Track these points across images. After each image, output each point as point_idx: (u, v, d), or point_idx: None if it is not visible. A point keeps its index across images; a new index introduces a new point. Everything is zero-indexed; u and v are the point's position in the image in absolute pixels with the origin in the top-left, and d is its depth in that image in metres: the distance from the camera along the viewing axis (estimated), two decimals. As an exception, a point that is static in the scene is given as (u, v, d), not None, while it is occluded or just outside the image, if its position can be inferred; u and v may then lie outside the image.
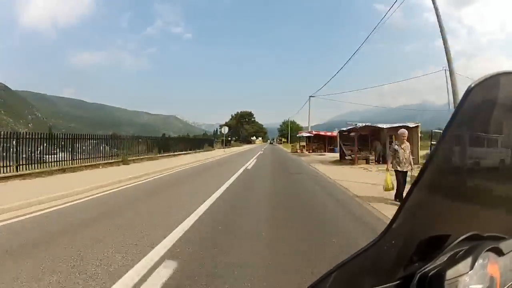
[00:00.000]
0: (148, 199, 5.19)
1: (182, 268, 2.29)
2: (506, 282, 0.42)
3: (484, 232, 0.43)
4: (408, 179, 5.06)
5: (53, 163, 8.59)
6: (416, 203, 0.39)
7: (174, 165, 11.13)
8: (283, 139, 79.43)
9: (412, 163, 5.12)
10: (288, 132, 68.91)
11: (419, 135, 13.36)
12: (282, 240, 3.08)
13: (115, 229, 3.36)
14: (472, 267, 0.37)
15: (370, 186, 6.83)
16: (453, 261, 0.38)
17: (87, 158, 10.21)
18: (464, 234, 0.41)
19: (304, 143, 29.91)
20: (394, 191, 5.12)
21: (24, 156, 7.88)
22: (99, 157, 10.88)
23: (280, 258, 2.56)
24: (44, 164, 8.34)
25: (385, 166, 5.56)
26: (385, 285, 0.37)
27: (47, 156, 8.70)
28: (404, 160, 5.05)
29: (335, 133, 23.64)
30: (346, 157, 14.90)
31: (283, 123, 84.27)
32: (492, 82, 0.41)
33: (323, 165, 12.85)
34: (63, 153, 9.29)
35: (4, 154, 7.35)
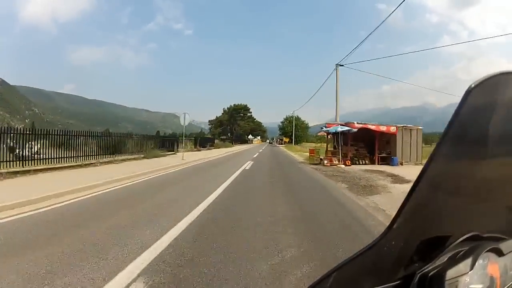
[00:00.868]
0: None
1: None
2: (506, 282, 0.42)
3: (484, 232, 0.43)
4: None
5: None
6: (417, 204, 0.39)
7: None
8: (284, 139, 66.66)
9: None
10: (293, 130, 55.95)
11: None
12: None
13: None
14: (472, 267, 0.38)
15: None
16: (453, 261, 0.38)
17: None
18: (464, 235, 0.41)
19: (329, 145, 17.37)
20: None
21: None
22: None
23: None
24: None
25: None
26: (385, 285, 0.37)
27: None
28: None
29: (393, 128, 14.01)
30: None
31: (285, 119, 69.39)
32: (492, 82, 0.41)
33: None
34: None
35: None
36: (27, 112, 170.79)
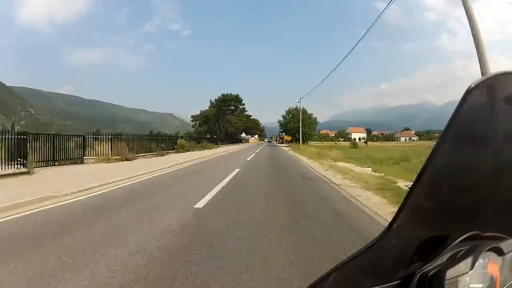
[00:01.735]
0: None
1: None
2: (506, 282, 0.42)
3: (484, 231, 0.43)
4: None
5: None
6: (417, 203, 0.40)
7: None
8: (285, 137, 55.84)
9: None
10: (300, 125, 40.28)
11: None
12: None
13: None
14: (472, 267, 0.38)
15: None
16: (453, 260, 0.38)
17: None
18: (464, 234, 0.41)
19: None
20: None
21: None
22: None
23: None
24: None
25: None
26: (385, 285, 0.37)
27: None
28: None
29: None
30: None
31: (288, 112, 53.67)
32: (492, 82, 0.41)
33: None
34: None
35: None
36: (22, 113, 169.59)
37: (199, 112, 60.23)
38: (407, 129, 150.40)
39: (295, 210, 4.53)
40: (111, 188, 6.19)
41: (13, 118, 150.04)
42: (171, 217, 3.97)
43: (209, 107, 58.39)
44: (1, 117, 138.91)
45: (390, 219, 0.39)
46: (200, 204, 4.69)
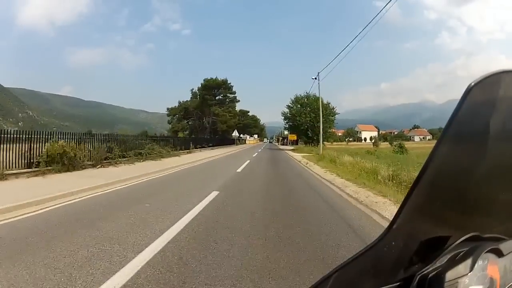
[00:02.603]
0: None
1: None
2: (506, 283, 0.42)
3: (484, 233, 0.43)
4: None
5: None
6: (416, 204, 0.39)
7: None
8: (290, 137, 41.86)
9: None
10: (321, 116, 22.98)
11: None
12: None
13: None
14: (472, 269, 0.37)
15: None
16: (453, 262, 0.38)
17: None
18: (464, 235, 0.41)
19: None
20: None
21: None
22: None
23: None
24: None
25: None
26: (384, 287, 0.37)
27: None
28: None
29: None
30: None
31: (295, 101, 33.78)
32: (492, 80, 0.40)
33: None
34: None
35: None
36: (20, 114, 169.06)
37: (177, 104, 43.88)
38: (416, 126, 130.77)
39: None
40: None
41: (11, 119, 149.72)
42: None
43: (191, 98, 43.48)
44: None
45: None
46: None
